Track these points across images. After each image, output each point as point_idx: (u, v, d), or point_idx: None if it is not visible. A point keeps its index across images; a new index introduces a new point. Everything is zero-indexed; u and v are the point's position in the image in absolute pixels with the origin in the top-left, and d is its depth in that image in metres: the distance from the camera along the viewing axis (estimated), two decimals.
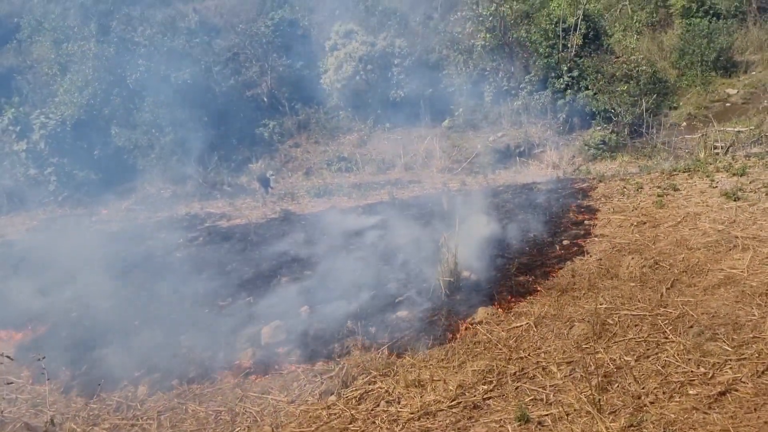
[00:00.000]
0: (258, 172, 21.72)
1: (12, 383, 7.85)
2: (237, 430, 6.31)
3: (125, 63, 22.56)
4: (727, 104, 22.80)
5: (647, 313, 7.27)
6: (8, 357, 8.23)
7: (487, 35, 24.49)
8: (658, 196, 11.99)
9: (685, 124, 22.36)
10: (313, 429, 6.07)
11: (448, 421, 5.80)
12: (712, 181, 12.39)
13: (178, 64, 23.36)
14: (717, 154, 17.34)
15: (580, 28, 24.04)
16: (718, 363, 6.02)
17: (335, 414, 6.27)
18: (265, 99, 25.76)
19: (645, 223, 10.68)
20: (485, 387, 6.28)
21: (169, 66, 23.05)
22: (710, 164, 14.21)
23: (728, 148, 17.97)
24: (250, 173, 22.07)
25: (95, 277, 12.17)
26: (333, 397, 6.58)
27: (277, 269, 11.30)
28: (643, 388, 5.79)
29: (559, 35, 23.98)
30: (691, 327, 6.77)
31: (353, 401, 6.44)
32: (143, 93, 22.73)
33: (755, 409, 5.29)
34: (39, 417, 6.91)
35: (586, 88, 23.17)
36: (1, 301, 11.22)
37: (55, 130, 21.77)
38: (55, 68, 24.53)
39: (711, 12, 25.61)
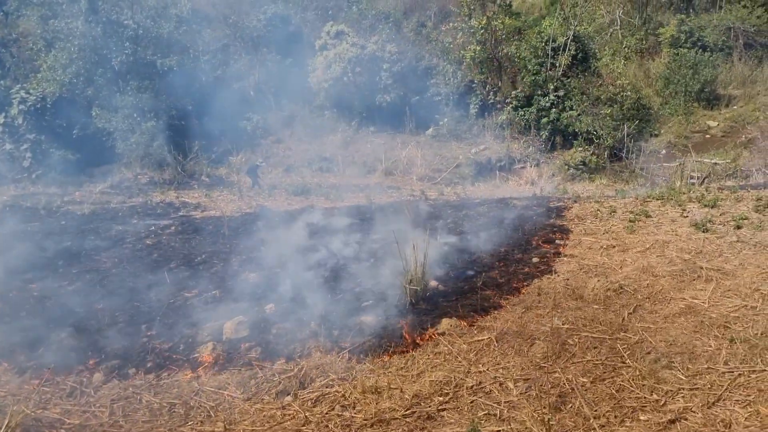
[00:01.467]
0: (247, 162, 21.66)
1: None
2: (189, 424, 6.25)
3: (111, 44, 22.33)
4: (707, 136, 23.20)
5: (607, 337, 7.34)
6: None
7: (478, 48, 24.67)
8: (630, 221, 12.13)
9: (664, 151, 22.70)
10: (265, 428, 6.03)
11: (400, 430, 5.80)
12: (684, 210, 12.56)
13: (166, 50, 23.19)
14: (692, 184, 17.60)
15: (569, 49, 24.31)
16: (671, 391, 6.09)
17: (289, 415, 6.24)
18: (252, 93, 25.69)
19: (614, 246, 10.80)
20: (441, 398, 6.29)
21: (156, 51, 22.87)
22: (684, 194, 14.42)
23: (704, 179, 18.27)
24: (230, 165, 21.97)
25: (59, 259, 12.04)
26: (289, 398, 6.54)
27: (246, 264, 11.25)
28: (595, 411, 5.84)
29: (548, 54, 24.23)
30: (649, 353, 6.84)
31: (309, 403, 6.41)
32: (128, 76, 22.52)
33: None
34: None
35: (571, 108, 23.45)
36: None
37: (34, 106, 21.53)
38: (40, 44, 24.27)
39: (699, 44, 26.07)
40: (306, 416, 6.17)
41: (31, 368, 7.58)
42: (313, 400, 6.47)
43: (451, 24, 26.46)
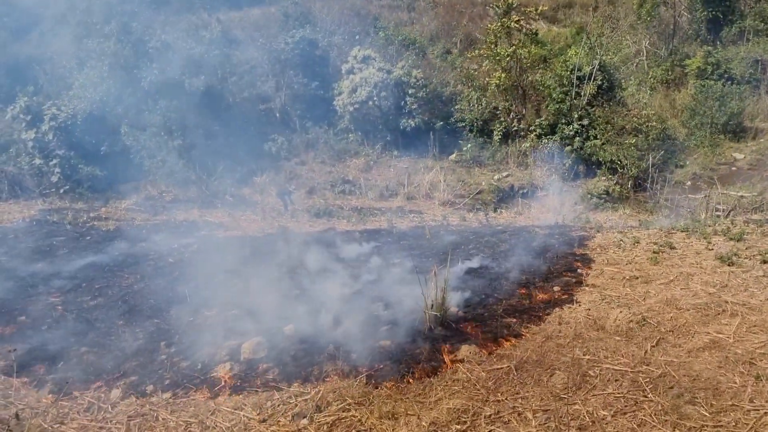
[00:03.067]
0: (271, 184, 21.86)
1: None
2: None
3: (142, 64, 22.76)
4: (733, 168, 22.93)
5: (629, 369, 7.22)
6: None
7: (503, 75, 24.72)
8: (654, 252, 11.98)
9: (689, 183, 22.47)
10: None
11: None
12: (709, 243, 12.39)
13: (195, 71, 23.58)
14: (718, 216, 17.38)
15: (595, 78, 24.26)
16: (694, 427, 5.96)
17: None
18: (277, 114, 25.95)
19: (638, 278, 10.66)
20: (458, 427, 6.22)
21: (185, 72, 23.26)
22: (709, 226, 14.23)
23: (729, 212, 18.03)
24: (254, 185, 22.15)
25: (82, 274, 12.17)
26: (305, 421, 6.51)
27: (266, 285, 11.27)
28: None
29: (573, 83, 24.21)
30: (671, 388, 6.72)
31: (324, 427, 6.37)
32: (156, 96, 22.91)
33: None
34: (8, 409, 6.85)
35: (595, 137, 23.34)
36: None
37: (65, 122, 21.95)
38: (72, 62, 24.80)
39: (726, 75, 25.84)
40: None
41: (49, 382, 7.64)
42: (329, 424, 6.43)
43: (476, 51, 26.58)
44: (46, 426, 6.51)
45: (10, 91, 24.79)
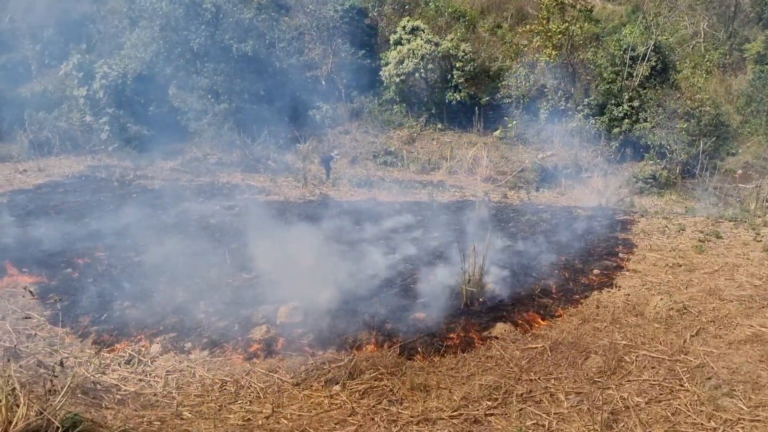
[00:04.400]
0: (314, 151, 21.96)
1: (30, 318, 8.11)
2: (239, 402, 6.38)
3: (192, 27, 22.90)
4: None
5: (666, 357, 7.12)
6: (30, 291, 8.55)
7: (553, 52, 24.16)
8: (699, 240, 11.73)
9: (740, 172, 21.84)
10: (312, 415, 6.10)
11: (446, 431, 5.77)
12: (758, 234, 12.06)
13: (244, 35, 23.64)
14: None
15: (648, 59, 23.58)
16: (731, 420, 5.87)
17: (336, 404, 6.30)
18: (323, 82, 25.91)
19: (681, 265, 10.46)
20: (489, 403, 6.23)
21: (234, 36, 23.34)
22: (759, 217, 13.85)
23: None
24: (297, 152, 22.23)
25: (127, 231, 12.45)
26: (338, 387, 6.60)
27: (305, 251, 11.36)
28: None
29: (625, 63, 23.58)
30: (709, 379, 6.60)
31: (357, 394, 6.45)
32: (205, 58, 23.07)
33: None
34: (53, 357, 7.10)
35: (645, 120, 22.76)
36: (36, 243, 11.57)
37: (115, 81, 22.27)
38: (125, 21, 25.08)
39: None
40: (353, 407, 6.21)
41: (93, 333, 7.87)
42: (361, 392, 6.50)
43: (527, 26, 25.98)
44: (88, 375, 6.73)
45: (64, 47, 25.26)
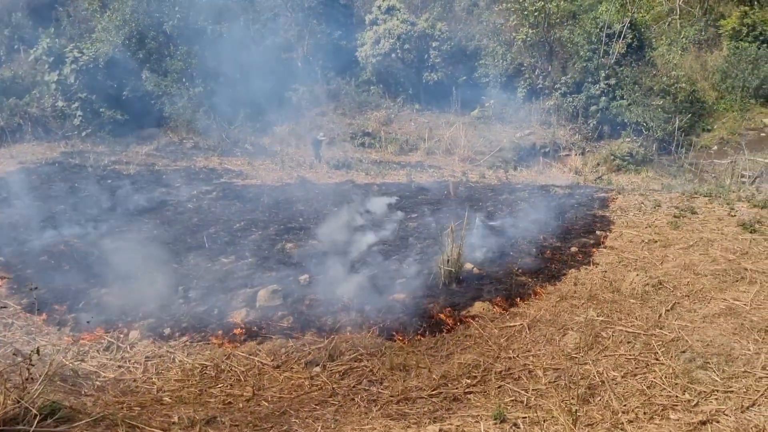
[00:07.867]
0: (292, 134, 21.80)
1: (6, 307, 8.00)
2: (219, 386, 6.38)
3: (164, 9, 22.54)
4: (762, 134, 22.44)
5: (642, 332, 7.21)
6: (6, 277, 8.44)
7: (530, 30, 24.18)
8: (675, 216, 11.84)
9: (716, 148, 22.07)
10: (293, 396, 6.12)
11: (426, 409, 5.81)
12: (732, 209, 12.20)
13: (217, 17, 23.33)
14: (743, 183, 17.08)
15: (625, 36, 23.66)
16: (705, 392, 5.97)
17: (317, 385, 6.32)
18: (299, 64, 25.68)
19: (656, 241, 10.56)
20: (468, 381, 6.29)
21: (207, 17, 23.03)
22: (733, 192, 14.02)
23: (755, 178, 17.71)
24: (273, 135, 22.09)
25: (103, 217, 12.32)
26: (318, 369, 6.62)
27: (283, 234, 11.35)
28: (624, 406, 5.77)
29: (602, 40, 23.63)
30: (684, 352, 6.71)
31: (336, 375, 6.48)
32: (178, 41, 22.75)
33: None
34: (31, 345, 7.02)
35: (621, 98, 22.87)
36: (9, 232, 11.42)
37: (87, 65, 21.90)
38: (95, 4, 24.61)
39: (761, 38, 24.98)
40: (333, 388, 6.23)
41: (70, 321, 7.80)
42: (341, 373, 6.53)
43: (504, 5, 25.92)
44: (66, 363, 6.67)
45: (33, 32, 24.74)
